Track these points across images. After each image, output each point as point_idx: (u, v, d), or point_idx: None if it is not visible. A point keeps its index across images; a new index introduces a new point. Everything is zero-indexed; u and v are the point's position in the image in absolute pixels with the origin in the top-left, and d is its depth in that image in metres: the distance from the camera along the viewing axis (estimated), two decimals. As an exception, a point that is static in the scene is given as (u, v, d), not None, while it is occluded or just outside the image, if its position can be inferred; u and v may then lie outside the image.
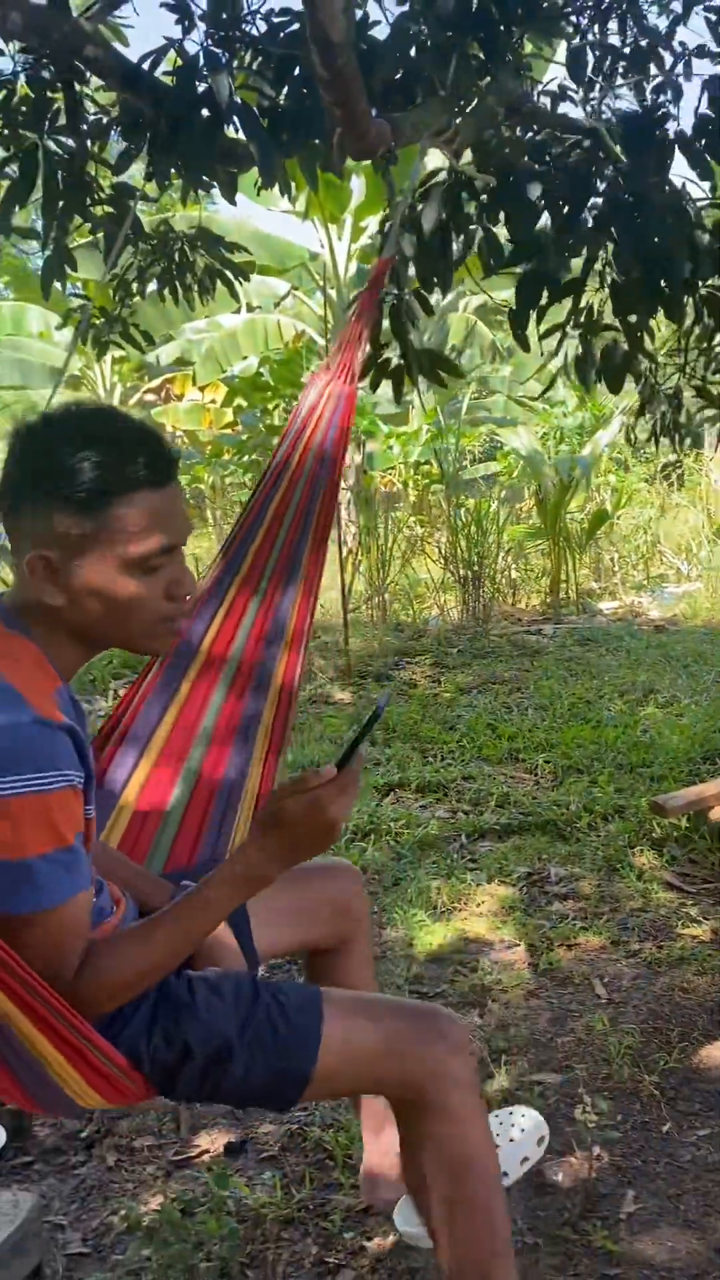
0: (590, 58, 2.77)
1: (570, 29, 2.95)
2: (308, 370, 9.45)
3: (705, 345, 3.30)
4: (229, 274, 4.02)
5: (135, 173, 3.08)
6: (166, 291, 3.81)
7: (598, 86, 2.93)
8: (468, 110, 2.60)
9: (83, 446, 1.15)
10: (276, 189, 2.89)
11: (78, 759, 1.14)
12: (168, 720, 1.76)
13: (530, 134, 2.88)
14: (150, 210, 5.32)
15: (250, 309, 9.36)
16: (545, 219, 2.78)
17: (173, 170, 2.87)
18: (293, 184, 3.35)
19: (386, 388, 3.04)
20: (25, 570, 1.15)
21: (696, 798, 3.50)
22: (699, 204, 2.88)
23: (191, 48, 2.62)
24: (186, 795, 1.72)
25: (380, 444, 8.95)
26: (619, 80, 2.96)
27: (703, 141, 2.70)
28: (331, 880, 1.71)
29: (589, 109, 2.96)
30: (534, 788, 4.11)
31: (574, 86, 2.88)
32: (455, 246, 2.91)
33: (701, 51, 2.72)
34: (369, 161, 2.66)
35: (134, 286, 3.88)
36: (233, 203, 3.32)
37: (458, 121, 2.60)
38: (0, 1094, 1.29)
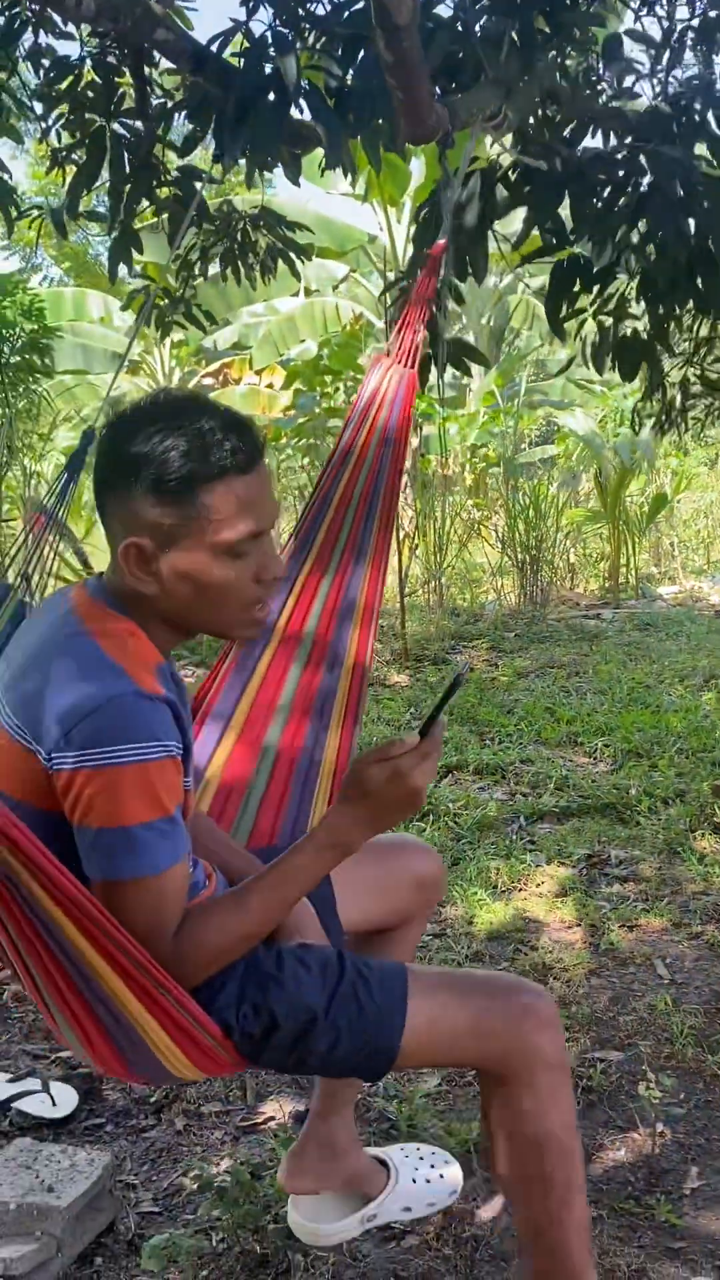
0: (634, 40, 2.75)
1: (635, 3, 2.92)
2: (365, 353, 9.44)
3: (711, 335, 3.28)
4: (291, 253, 4.05)
5: (196, 155, 3.11)
6: (229, 272, 3.84)
7: (665, 59, 2.91)
8: (512, 95, 2.60)
9: (170, 435, 1.17)
10: (338, 171, 2.91)
11: (178, 731, 1.17)
12: (247, 697, 1.79)
13: (568, 120, 2.87)
14: (212, 193, 5.35)
15: (308, 292, 9.37)
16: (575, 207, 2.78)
17: (239, 152, 2.90)
18: (354, 163, 3.36)
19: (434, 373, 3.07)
20: (119, 558, 1.19)
21: (759, 782, 3.48)
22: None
23: (257, 29, 2.64)
24: (267, 771, 1.75)
25: (438, 427, 8.92)
26: (685, 56, 2.93)
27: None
28: (413, 856, 1.70)
29: (655, 83, 2.94)
30: (593, 771, 4.10)
31: (640, 61, 2.87)
32: (492, 234, 2.93)
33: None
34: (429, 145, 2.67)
35: (197, 267, 3.92)
36: (297, 184, 3.34)
37: (506, 106, 2.59)
38: (97, 1061, 1.31)
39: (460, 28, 2.63)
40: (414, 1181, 1.70)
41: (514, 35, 2.58)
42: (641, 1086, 1.96)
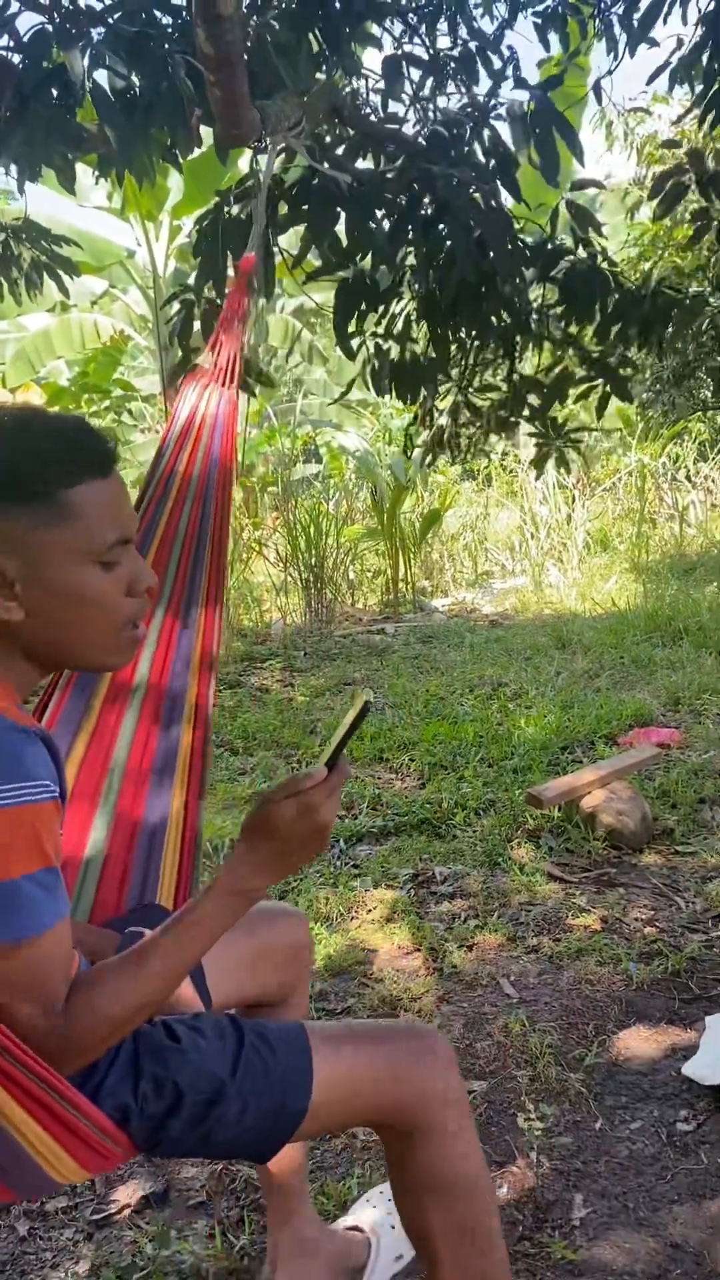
0: (406, 67, 2.78)
1: (401, 29, 2.95)
2: (130, 367, 9.17)
3: (476, 362, 3.39)
4: (57, 268, 3.83)
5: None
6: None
7: (426, 88, 2.95)
8: (307, 105, 2.55)
9: (20, 441, 1.06)
10: (90, 185, 2.76)
11: (55, 771, 1.05)
12: (76, 755, 1.61)
13: (351, 136, 2.87)
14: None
15: (64, 308, 9.00)
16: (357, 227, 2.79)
17: (15, 154, 2.69)
18: (106, 182, 3.20)
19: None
20: None
21: (569, 788, 3.56)
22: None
23: (31, 22, 2.45)
24: (106, 836, 1.58)
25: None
26: (447, 85, 2.99)
27: (491, 163, 2.76)
28: (284, 925, 1.62)
29: (416, 111, 2.97)
30: (403, 787, 4.09)
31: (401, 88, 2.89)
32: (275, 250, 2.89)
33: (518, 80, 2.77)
34: (191, 158, 2.57)
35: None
36: (72, 192, 3.15)
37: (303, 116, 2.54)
38: None
39: (257, 36, 2.55)
40: (393, 1228, 1.64)
41: (315, 43, 2.53)
42: (520, 1119, 1.92)
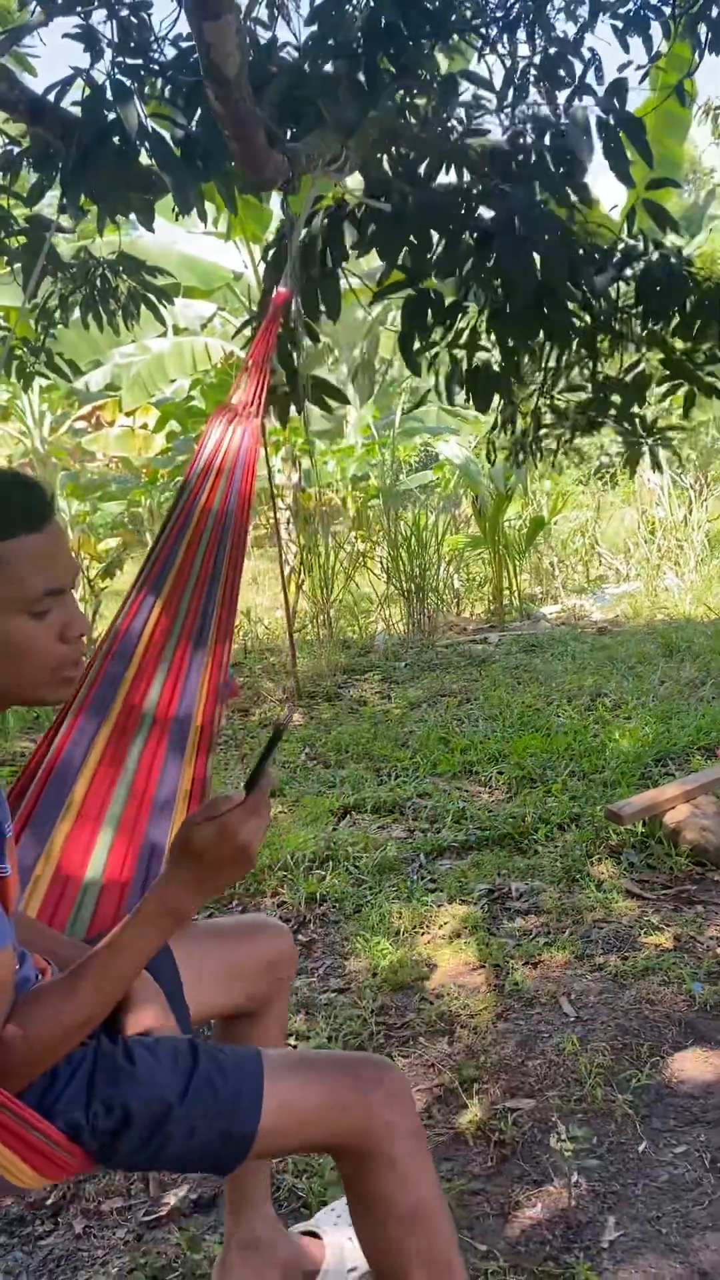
0: (490, 74, 2.80)
1: (480, 41, 2.97)
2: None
3: (558, 366, 3.35)
4: (152, 297, 3.98)
5: (51, 200, 3.03)
6: (90, 318, 3.76)
7: (510, 95, 2.96)
8: (353, 138, 2.60)
9: None
10: (195, 213, 2.87)
11: None
12: (85, 776, 1.70)
13: (413, 158, 2.90)
14: (72, 237, 5.27)
15: (177, 331, 9.28)
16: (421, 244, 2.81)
17: (86, 199, 2.83)
18: (212, 206, 3.31)
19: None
20: None
21: (650, 803, 3.51)
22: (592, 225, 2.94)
23: (99, 76, 2.58)
24: (108, 855, 1.67)
25: (317, 461, 8.93)
26: (529, 93, 2.99)
27: (560, 170, 2.74)
28: (264, 939, 1.67)
29: (502, 118, 2.99)
30: (489, 801, 4.09)
31: (488, 97, 2.91)
32: (341, 272, 2.94)
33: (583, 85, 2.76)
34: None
35: (56, 315, 3.82)
36: (150, 229, 3.29)
37: (347, 150, 2.59)
38: None
39: (304, 72, 2.62)
40: (350, 1240, 1.66)
41: (359, 78, 2.58)
42: (561, 1138, 1.93)
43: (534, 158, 2.77)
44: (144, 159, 2.75)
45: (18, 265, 3.43)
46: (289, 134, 2.57)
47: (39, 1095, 1.21)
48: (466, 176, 2.84)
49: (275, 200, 8.34)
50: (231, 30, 1.89)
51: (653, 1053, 2.33)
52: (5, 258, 3.36)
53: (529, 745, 4.59)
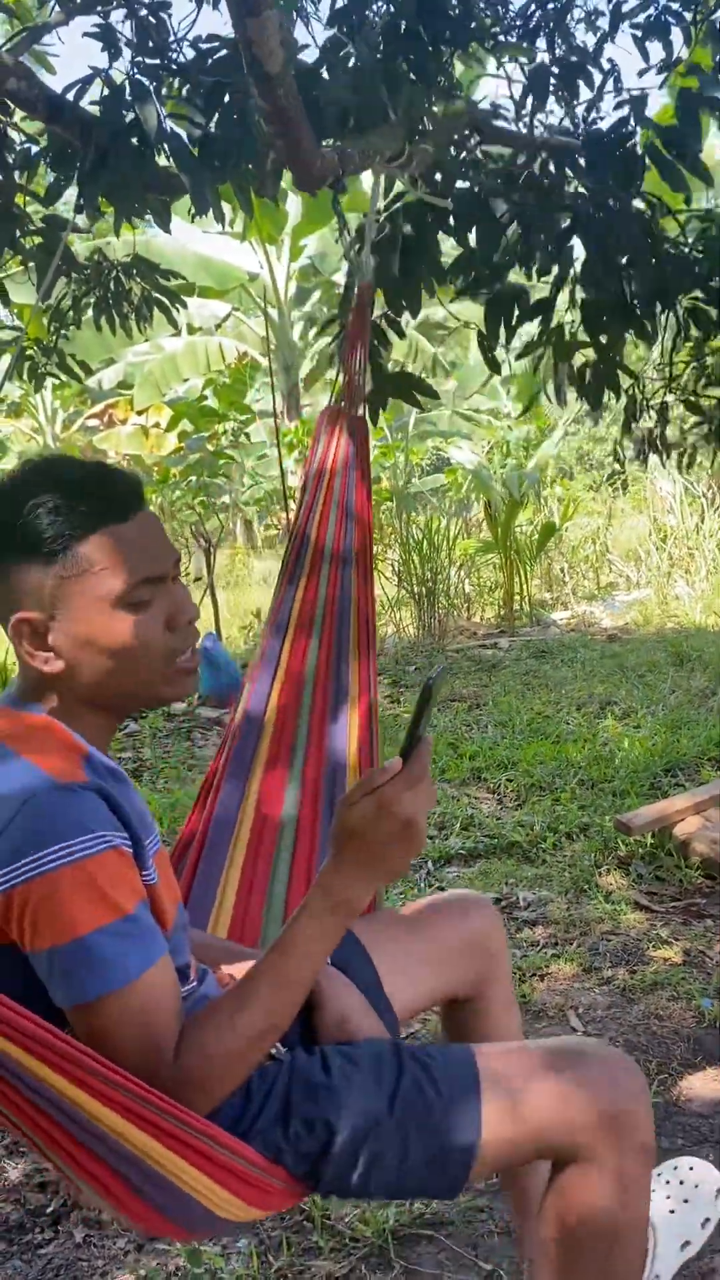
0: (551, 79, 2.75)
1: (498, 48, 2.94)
2: (253, 389, 9.39)
3: (694, 358, 3.25)
4: (165, 300, 3.97)
5: (68, 199, 3.02)
6: (103, 320, 3.75)
7: (528, 104, 2.93)
8: (421, 134, 2.57)
9: (36, 495, 1.09)
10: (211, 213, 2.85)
11: (117, 820, 1.05)
12: (246, 822, 1.70)
13: (488, 154, 2.86)
14: (87, 237, 5.27)
15: (192, 331, 9.29)
16: (509, 237, 2.75)
17: (103, 199, 2.82)
18: (229, 207, 3.30)
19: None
20: (13, 641, 1.09)
21: (660, 814, 3.49)
22: (684, 215, 2.86)
23: (118, 76, 2.57)
24: (286, 875, 1.65)
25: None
26: (550, 100, 2.96)
27: (675, 153, 2.67)
28: (465, 915, 1.55)
29: (521, 126, 2.96)
30: (498, 808, 4.07)
31: (505, 105, 2.88)
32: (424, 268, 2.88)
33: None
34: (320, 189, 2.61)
35: (69, 316, 3.81)
36: (167, 231, 3.27)
37: (410, 146, 2.56)
38: (138, 1221, 1.15)
39: (354, 70, 2.59)
40: (672, 1212, 1.45)
41: (412, 75, 2.55)
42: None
43: (619, 153, 2.69)
44: (162, 160, 2.74)
45: (32, 264, 3.43)
46: (346, 130, 2.53)
47: (234, 1118, 1.13)
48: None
49: (293, 202, 8.32)
50: (274, 25, 1.88)
51: (661, 1069, 2.30)
52: (20, 257, 3.35)
53: (538, 753, 4.57)
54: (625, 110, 2.65)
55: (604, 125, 2.73)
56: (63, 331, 3.86)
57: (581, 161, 2.70)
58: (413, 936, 1.48)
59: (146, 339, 8.65)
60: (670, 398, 3.37)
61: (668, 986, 2.64)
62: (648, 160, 2.63)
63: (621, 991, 2.66)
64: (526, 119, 2.90)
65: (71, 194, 2.87)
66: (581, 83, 2.81)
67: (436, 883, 3.44)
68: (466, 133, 2.73)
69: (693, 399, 3.31)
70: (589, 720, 5.11)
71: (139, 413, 9.97)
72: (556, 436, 8.31)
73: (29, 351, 3.89)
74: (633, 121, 2.63)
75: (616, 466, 4.01)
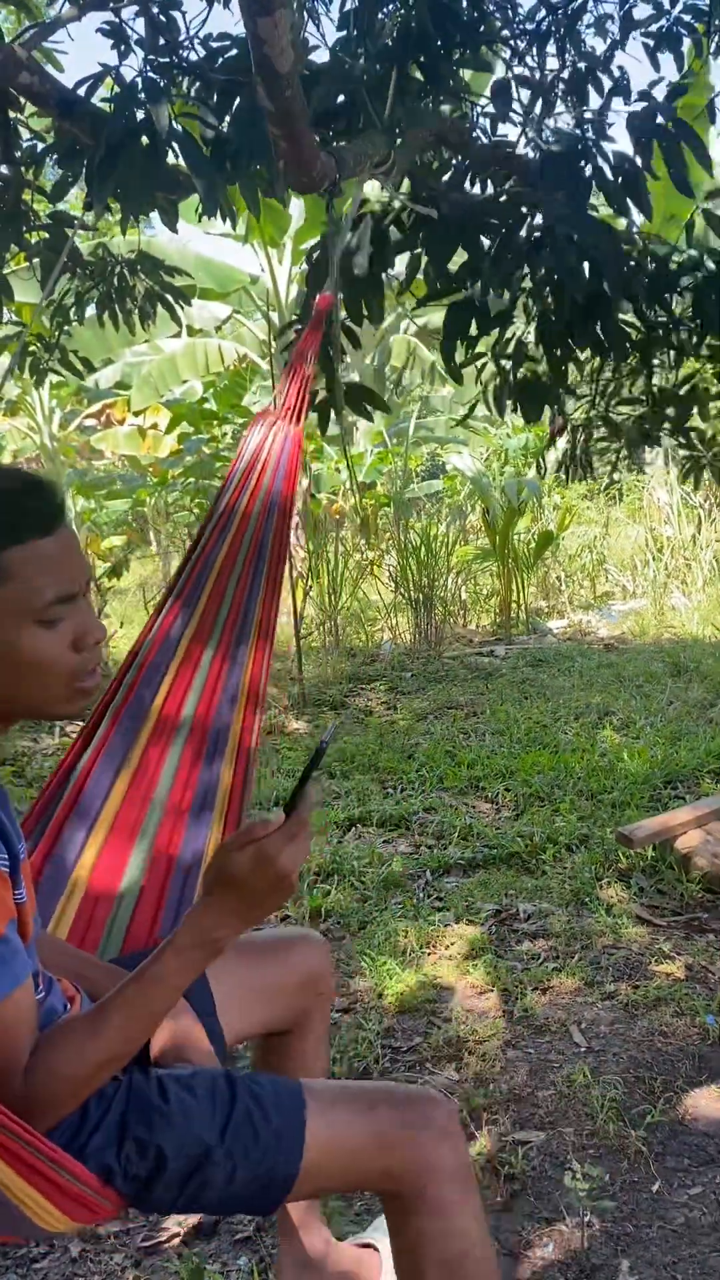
0: (515, 89, 2.74)
1: (508, 54, 2.92)
2: (251, 392, 9.36)
3: (612, 378, 3.28)
4: (169, 298, 3.94)
5: (72, 197, 2.99)
6: (106, 316, 3.71)
7: (535, 110, 2.91)
8: (401, 140, 2.55)
9: None
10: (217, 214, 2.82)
11: None
12: (118, 790, 1.65)
13: (459, 162, 2.85)
14: (88, 236, 5.23)
15: (191, 333, 9.24)
16: (469, 251, 2.75)
17: (110, 197, 2.79)
18: (234, 208, 3.27)
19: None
20: None
21: (661, 827, 3.46)
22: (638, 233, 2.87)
23: (130, 74, 2.54)
24: (141, 871, 1.61)
25: (327, 467, 8.88)
26: (557, 106, 2.94)
27: (620, 180, 2.68)
28: (300, 953, 1.61)
29: (527, 134, 2.94)
30: (496, 818, 4.04)
31: (514, 111, 2.86)
32: (385, 277, 2.88)
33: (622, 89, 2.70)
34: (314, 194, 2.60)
35: (72, 313, 3.78)
36: (174, 230, 3.24)
37: (394, 152, 2.55)
38: None
39: (343, 74, 2.57)
40: None
41: (406, 78, 2.53)
42: (574, 1175, 1.87)
43: (587, 167, 2.70)
44: (171, 159, 2.71)
45: (36, 260, 3.40)
46: (330, 134, 2.52)
47: (70, 1135, 1.15)
48: (512, 184, 2.78)
49: (296, 205, 8.30)
50: (285, 25, 1.85)
51: (666, 1087, 2.27)
52: (24, 253, 3.32)
53: (536, 762, 4.54)
54: (586, 129, 2.65)
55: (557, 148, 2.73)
56: (65, 328, 3.83)
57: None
58: (251, 970, 1.52)
59: (149, 338, 8.61)
60: (593, 414, 3.40)
61: (671, 1002, 2.61)
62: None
63: (624, 1007, 2.63)
64: (532, 125, 2.89)
65: (75, 191, 2.84)
66: (591, 89, 2.80)
67: (435, 893, 3.40)
68: (434, 141, 2.72)
69: (610, 416, 3.34)
70: (587, 730, 5.09)
71: (136, 413, 9.92)
72: (562, 445, 8.30)
73: (31, 347, 3.85)
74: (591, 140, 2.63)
75: (616, 475, 4.02)
